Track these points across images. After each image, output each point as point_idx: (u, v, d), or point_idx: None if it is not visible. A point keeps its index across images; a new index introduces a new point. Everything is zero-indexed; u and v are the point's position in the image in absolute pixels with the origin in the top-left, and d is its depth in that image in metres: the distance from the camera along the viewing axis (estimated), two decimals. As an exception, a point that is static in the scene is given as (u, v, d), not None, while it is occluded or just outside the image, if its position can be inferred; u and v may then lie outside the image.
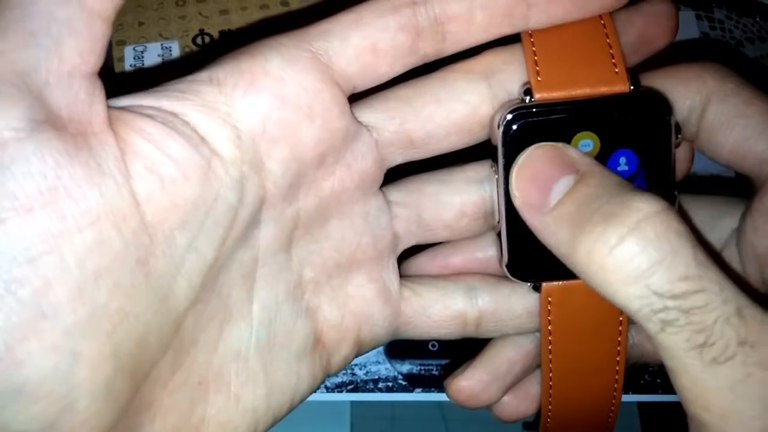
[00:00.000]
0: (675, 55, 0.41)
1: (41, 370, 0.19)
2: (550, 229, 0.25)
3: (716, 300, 0.21)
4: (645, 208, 0.22)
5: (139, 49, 0.43)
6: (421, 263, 0.30)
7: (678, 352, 0.21)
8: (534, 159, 0.26)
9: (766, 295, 0.26)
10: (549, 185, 0.25)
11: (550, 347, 0.29)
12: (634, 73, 0.26)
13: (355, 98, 0.27)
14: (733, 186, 0.29)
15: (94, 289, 0.19)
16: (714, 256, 0.22)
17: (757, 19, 0.45)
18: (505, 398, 0.31)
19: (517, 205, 0.26)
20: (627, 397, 0.39)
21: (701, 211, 0.29)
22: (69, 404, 0.19)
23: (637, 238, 0.22)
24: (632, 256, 0.22)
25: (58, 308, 0.19)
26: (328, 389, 0.39)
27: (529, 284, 0.28)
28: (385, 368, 0.40)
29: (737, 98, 0.27)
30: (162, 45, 0.43)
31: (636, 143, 0.26)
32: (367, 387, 0.40)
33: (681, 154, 0.28)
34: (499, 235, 0.28)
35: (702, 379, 0.21)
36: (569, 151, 0.26)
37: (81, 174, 0.19)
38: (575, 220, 0.23)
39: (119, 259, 0.20)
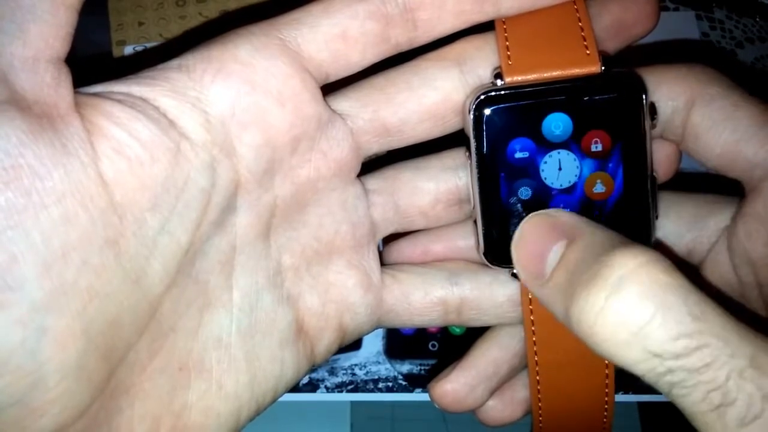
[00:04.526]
0: (673, 57, 0.41)
1: (7, 344, 0.19)
2: (550, 301, 0.24)
3: (722, 354, 0.19)
4: (626, 263, 0.21)
5: (139, 49, 0.44)
6: (403, 248, 0.30)
7: (698, 415, 0.20)
8: (526, 232, 0.26)
9: None
10: (544, 256, 0.24)
11: (534, 338, 0.28)
12: (607, 55, 0.26)
13: (334, 91, 0.28)
14: (721, 183, 0.28)
15: (62, 266, 0.20)
16: (714, 298, 0.21)
17: (757, 19, 0.45)
18: (490, 402, 0.30)
19: (521, 279, 0.26)
20: (627, 397, 0.39)
21: (688, 210, 0.29)
22: (38, 380, 0.20)
23: (621, 298, 0.21)
24: (620, 318, 0.20)
25: (24, 282, 0.19)
26: (328, 389, 0.39)
27: (508, 271, 0.28)
28: (385, 368, 0.40)
29: (725, 101, 0.26)
30: (161, 45, 0.44)
31: (609, 124, 0.26)
32: (367, 387, 0.40)
33: (667, 155, 0.28)
34: (475, 222, 0.28)
35: None
36: (559, 215, 0.26)
37: (45, 153, 0.20)
38: (566, 290, 0.23)
39: (87, 237, 0.20)
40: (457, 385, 0.30)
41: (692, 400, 0.20)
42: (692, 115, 0.27)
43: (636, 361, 0.20)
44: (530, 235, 0.26)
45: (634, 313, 0.20)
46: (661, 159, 0.28)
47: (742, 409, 0.19)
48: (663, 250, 0.29)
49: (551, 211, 0.26)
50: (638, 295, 0.20)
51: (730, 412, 0.19)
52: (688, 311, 0.20)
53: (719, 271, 0.28)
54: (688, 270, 0.26)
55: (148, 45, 0.44)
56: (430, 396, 0.30)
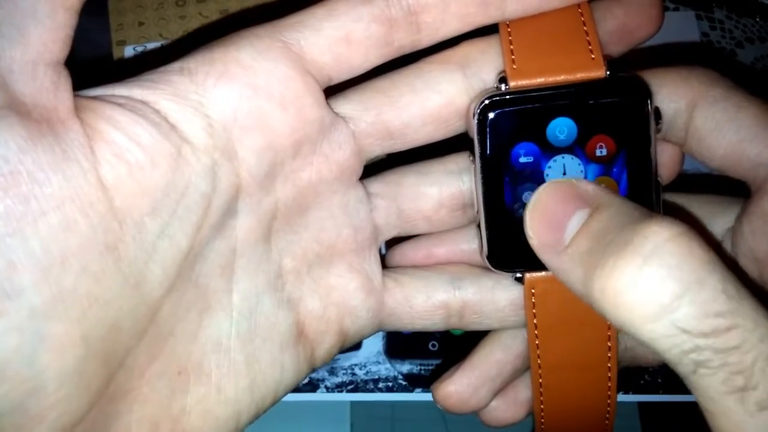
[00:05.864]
0: (673, 58, 0.41)
1: (5, 351, 0.19)
2: (567, 268, 0.23)
3: (752, 338, 0.19)
4: (662, 232, 0.20)
5: (139, 49, 0.43)
6: (405, 252, 0.30)
7: (716, 395, 0.19)
8: (544, 197, 0.25)
9: None
10: (563, 223, 0.24)
11: (537, 342, 0.28)
12: (611, 59, 0.26)
13: (336, 93, 0.27)
14: (724, 185, 0.28)
15: (61, 273, 0.20)
16: (745, 282, 0.20)
17: (757, 19, 0.45)
18: (493, 403, 0.30)
19: (533, 246, 0.25)
20: (627, 397, 0.39)
21: (693, 211, 0.29)
22: (36, 386, 0.20)
23: (655, 268, 0.20)
24: (651, 289, 0.20)
25: (22, 290, 0.19)
26: (328, 389, 0.39)
27: (511, 276, 0.28)
28: (385, 368, 0.40)
29: (727, 102, 0.26)
30: (162, 45, 0.43)
31: (614, 128, 0.26)
32: (367, 387, 0.39)
33: (670, 157, 0.28)
34: (478, 226, 0.28)
35: (747, 425, 0.19)
36: (582, 184, 0.25)
37: (45, 159, 0.20)
38: (589, 258, 0.22)
39: (86, 243, 0.20)
40: (461, 387, 0.30)
41: (714, 381, 0.19)
42: (695, 117, 0.27)
43: (662, 335, 0.20)
44: (550, 201, 0.25)
45: (667, 286, 0.20)
46: (664, 161, 0.28)
47: (764, 394, 0.19)
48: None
49: (572, 179, 0.25)
50: (673, 267, 0.20)
51: (751, 396, 0.19)
52: (723, 289, 0.19)
53: None
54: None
55: (148, 45, 0.43)
56: (433, 397, 0.30)
